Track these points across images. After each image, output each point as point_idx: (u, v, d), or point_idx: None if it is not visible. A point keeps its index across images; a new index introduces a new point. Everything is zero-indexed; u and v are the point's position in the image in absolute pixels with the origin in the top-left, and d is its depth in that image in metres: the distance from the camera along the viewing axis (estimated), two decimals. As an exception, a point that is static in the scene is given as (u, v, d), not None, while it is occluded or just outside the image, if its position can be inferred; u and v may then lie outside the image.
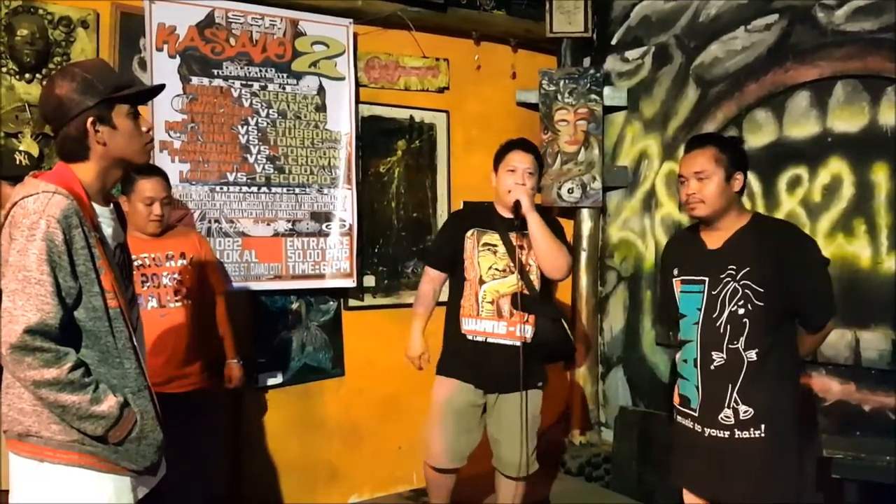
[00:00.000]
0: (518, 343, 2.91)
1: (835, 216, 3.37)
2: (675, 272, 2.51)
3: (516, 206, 2.88)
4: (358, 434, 3.99)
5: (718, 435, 2.34)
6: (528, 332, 2.94)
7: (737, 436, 2.31)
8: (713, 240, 2.43)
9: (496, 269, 2.96)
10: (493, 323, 2.95)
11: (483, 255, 2.97)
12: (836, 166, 3.37)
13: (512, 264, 2.94)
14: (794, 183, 3.52)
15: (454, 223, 3.17)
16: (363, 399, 3.99)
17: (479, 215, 3.08)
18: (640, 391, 4.31)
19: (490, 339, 2.95)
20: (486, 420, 3.06)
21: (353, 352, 3.98)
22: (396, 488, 4.09)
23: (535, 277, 2.98)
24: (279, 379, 3.74)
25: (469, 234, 3.00)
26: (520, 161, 2.97)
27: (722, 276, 2.35)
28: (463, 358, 2.98)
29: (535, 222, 2.87)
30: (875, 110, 3.25)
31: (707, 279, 2.39)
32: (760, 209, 3.62)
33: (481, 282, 2.96)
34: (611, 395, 4.50)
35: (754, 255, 2.32)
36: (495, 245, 2.98)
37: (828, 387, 3.34)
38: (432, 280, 3.13)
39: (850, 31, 3.33)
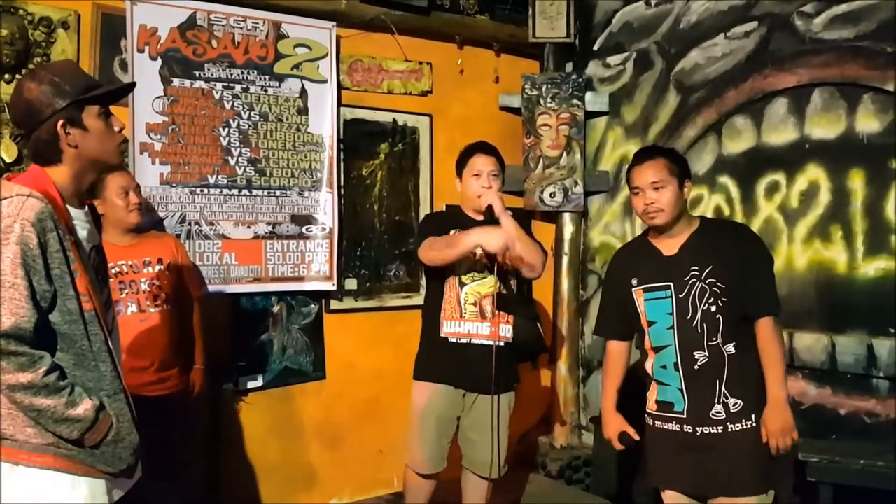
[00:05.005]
0: (501, 343, 2.93)
1: (812, 222, 3.41)
2: (634, 282, 2.52)
3: (489, 210, 2.88)
4: (338, 437, 3.99)
5: (711, 431, 2.37)
6: (508, 331, 2.96)
7: (730, 429, 2.36)
8: (668, 246, 2.48)
9: (475, 272, 2.96)
10: (476, 324, 2.95)
11: (464, 258, 2.98)
12: (814, 172, 3.41)
13: (490, 266, 2.95)
14: (772, 189, 3.56)
15: (435, 222, 3.15)
16: (344, 402, 3.99)
17: (454, 218, 3.08)
18: (620, 394, 4.32)
19: (474, 341, 2.95)
20: (459, 421, 3.06)
21: (334, 355, 3.97)
22: (377, 491, 4.08)
23: (511, 277, 3.00)
24: (259, 382, 3.72)
25: (451, 234, 3.00)
26: (483, 164, 2.99)
27: (686, 278, 2.40)
28: (443, 361, 2.97)
29: (509, 225, 2.88)
30: (852, 117, 3.30)
31: (672, 284, 2.43)
32: (738, 215, 3.66)
33: (461, 284, 2.96)
34: (591, 399, 4.51)
35: (714, 255, 2.39)
36: None
37: (804, 390, 3.38)
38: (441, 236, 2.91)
39: (827, 39, 3.38)
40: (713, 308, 2.37)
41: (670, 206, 2.40)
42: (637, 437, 2.54)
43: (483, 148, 3.05)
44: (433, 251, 2.87)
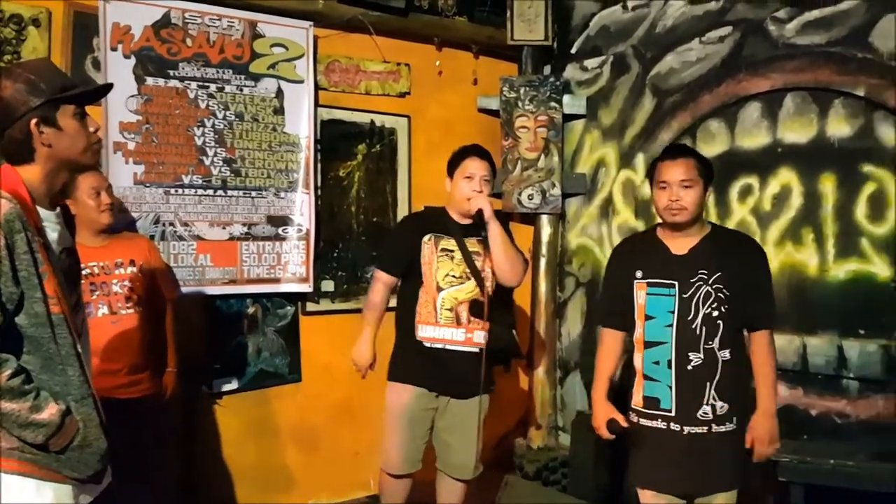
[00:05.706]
0: (475, 349, 2.93)
1: (784, 225, 3.45)
2: (639, 274, 2.55)
3: (478, 215, 2.88)
4: (315, 440, 3.97)
5: (697, 431, 2.43)
6: (483, 337, 2.96)
7: (713, 430, 2.43)
8: (678, 246, 2.51)
9: (453, 276, 2.95)
10: (451, 330, 2.94)
11: (441, 261, 2.96)
12: (786, 176, 3.46)
13: (468, 271, 2.95)
14: (745, 192, 3.60)
15: (410, 227, 3.14)
16: (320, 405, 3.97)
17: (434, 220, 3.06)
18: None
19: (448, 346, 2.94)
20: (434, 423, 3.06)
21: (310, 357, 3.96)
22: (354, 494, 4.07)
23: (489, 284, 2.97)
24: (234, 385, 3.70)
25: (426, 238, 2.98)
26: (476, 168, 2.98)
27: (692, 280, 2.44)
28: (418, 364, 2.97)
29: (496, 231, 2.88)
30: (823, 122, 3.35)
31: (677, 283, 2.46)
32: (713, 217, 3.68)
33: (439, 289, 2.95)
34: (568, 400, 4.53)
35: (723, 262, 2.44)
36: (452, 251, 2.97)
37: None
38: (385, 286, 3.08)
39: (800, 45, 3.43)
40: (715, 313, 2.42)
41: (693, 206, 2.43)
42: (626, 424, 2.55)
43: (478, 151, 3.05)
44: (368, 295, 3.14)
